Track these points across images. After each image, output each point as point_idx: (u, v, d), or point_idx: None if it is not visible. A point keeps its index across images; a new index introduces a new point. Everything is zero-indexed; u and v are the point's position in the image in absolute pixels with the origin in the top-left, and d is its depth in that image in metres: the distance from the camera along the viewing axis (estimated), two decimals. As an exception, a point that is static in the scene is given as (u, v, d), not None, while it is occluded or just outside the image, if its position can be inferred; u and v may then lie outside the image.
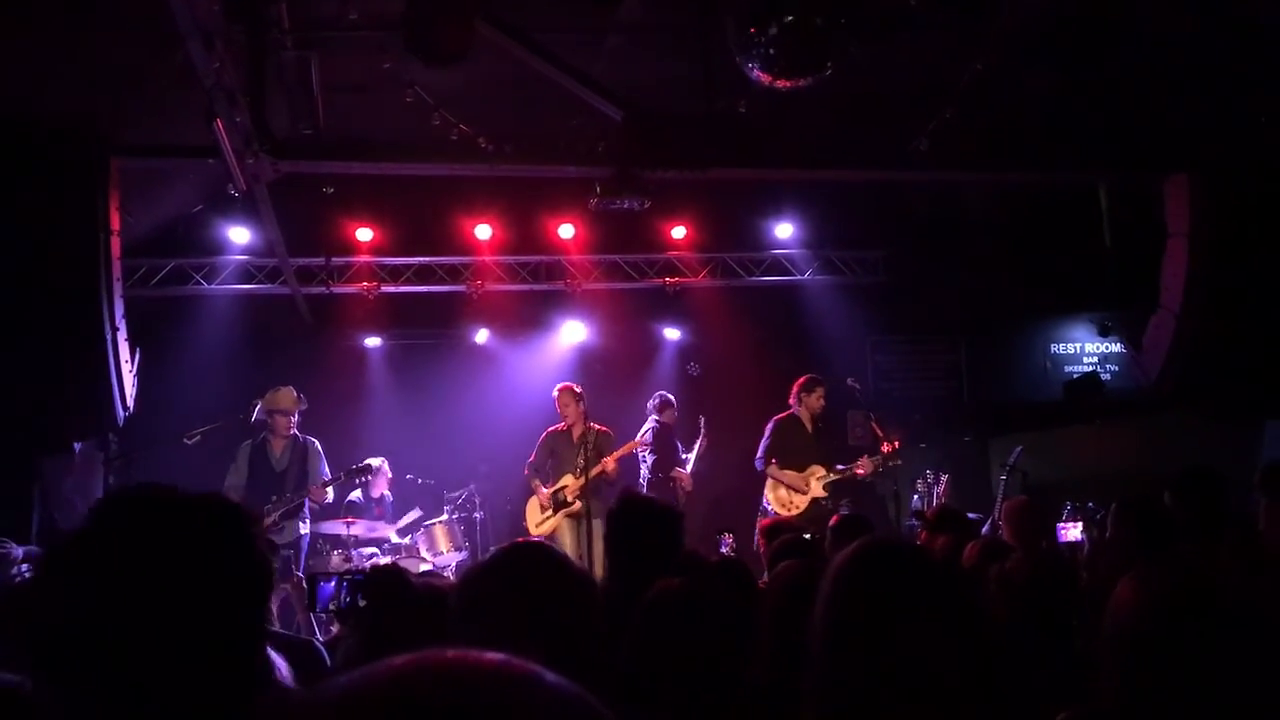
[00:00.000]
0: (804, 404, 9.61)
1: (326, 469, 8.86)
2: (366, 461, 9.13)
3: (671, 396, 10.30)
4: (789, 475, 9.45)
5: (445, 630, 2.01)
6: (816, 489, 9.41)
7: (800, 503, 9.38)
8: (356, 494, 9.60)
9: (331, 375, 11.00)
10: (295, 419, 8.87)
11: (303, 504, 8.62)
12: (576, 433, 9.40)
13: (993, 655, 2.12)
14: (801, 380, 9.71)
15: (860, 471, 9.42)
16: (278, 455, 8.79)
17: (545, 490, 9.34)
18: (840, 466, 9.46)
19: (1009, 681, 2.10)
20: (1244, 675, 1.88)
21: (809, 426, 9.63)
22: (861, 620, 2.05)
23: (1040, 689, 2.94)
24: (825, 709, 2.06)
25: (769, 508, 9.46)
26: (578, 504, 8.97)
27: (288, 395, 8.83)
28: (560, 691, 0.72)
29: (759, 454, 9.62)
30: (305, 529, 8.73)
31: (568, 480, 9.22)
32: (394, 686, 0.70)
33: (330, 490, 8.75)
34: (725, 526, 7.22)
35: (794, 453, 9.52)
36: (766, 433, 9.65)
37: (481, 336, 11.98)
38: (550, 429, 9.62)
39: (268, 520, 8.29)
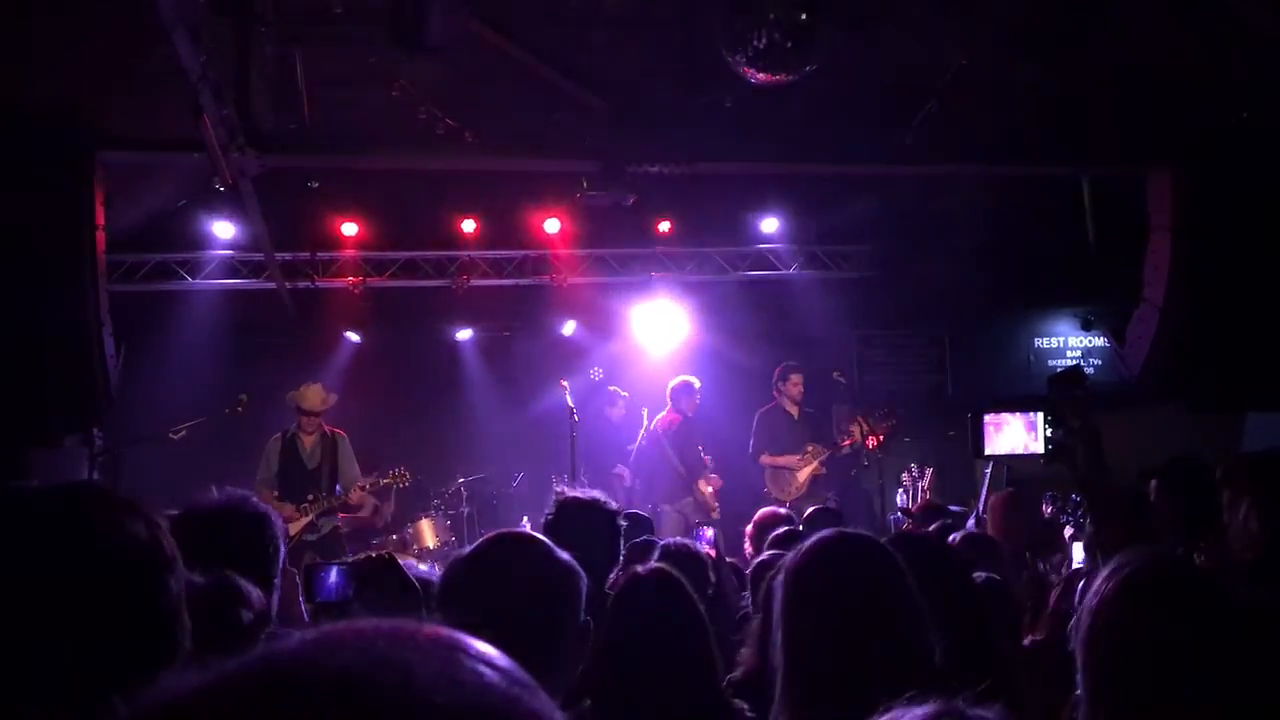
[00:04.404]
0: (783, 393, 9.75)
1: (356, 465, 8.81)
2: (402, 471, 9.07)
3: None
4: (784, 458, 9.55)
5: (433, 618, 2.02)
6: (812, 465, 9.49)
7: (801, 480, 9.46)
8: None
9: (316, 369, 10.96)
10: (318, 418, 8.71)
11: (337, 504, 8.55)
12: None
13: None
14: (778, 369, 9.86)
15: (848, 440, 9.60)
16: (308, 451, 8.62)
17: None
18: (836, 446, 9.59)
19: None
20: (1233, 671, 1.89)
21: (794, 413, 9.74)
22: (816, 617, 2.07)
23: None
24: (793, 706, 2.08)
25: (771, 496, 9.41)
26: None
27: (315, 394, 8.65)
28: (486, 666, 0.71)
29: (750, 448, 9.71)
30: (338, 521, 8.66)
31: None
32: (300, 656, 0.69)
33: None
34: (708, 521, 7.23)
35: (783, 440, 9.62)
36: (754, 426, 9.73)
37: (464, 334, 11.97)
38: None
39: (306, 520, 8.22)
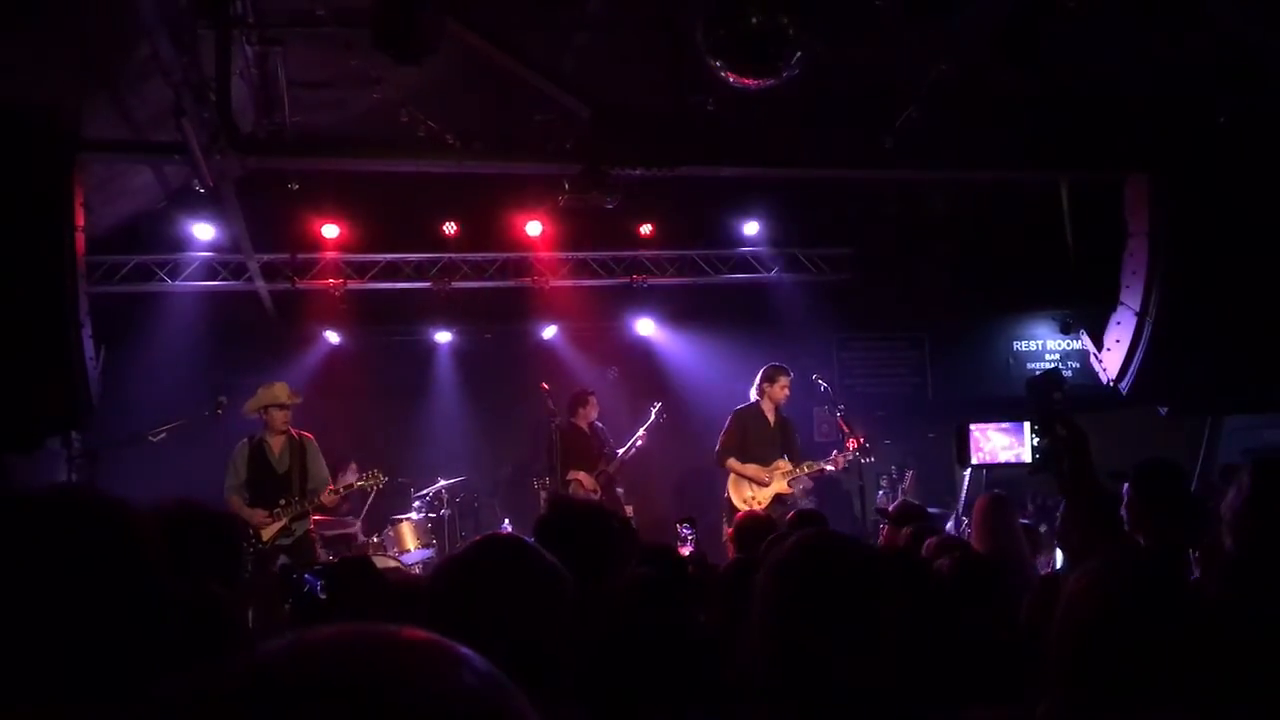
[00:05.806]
0: (767, 395, 9.20)
1: (325, 467, 8.74)
2: (377, 473, 9.00)
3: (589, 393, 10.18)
4: (751, 469, 9.03)
5: (415, 622, 2.02)
6: (780, 484, 9.01)
7: (763, 498, 8.94)
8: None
9: (297, 371, 10.94)
10: (290, 413, 8.56)
11: (310, 508, 8.48)
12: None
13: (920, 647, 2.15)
14: (764, 369, 9.32)
15: (832, 467, 9.12)
16: (277, 455, 8.46)
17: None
18: (811, 465, 9.14)
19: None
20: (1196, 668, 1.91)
21: (771, 419, 9.22)
22: (795, 617, 2.09)
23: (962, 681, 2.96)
24: (772, 704, 2.10)
25: (732, 503, 9.01)
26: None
27: (283, 389, 8.55)
28: (475, 674, 0.73)
29: (717, 446, 9.21)
30: (310, 525, 8.55)
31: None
32: (302, 657, 0.71)
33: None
34: (688, 517, 7.08)
35: (756, 445, 9.10)
36: (726, 424, 9.25)
37: (444, 337, 11.95)
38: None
39: (279, 525, 8.17)
